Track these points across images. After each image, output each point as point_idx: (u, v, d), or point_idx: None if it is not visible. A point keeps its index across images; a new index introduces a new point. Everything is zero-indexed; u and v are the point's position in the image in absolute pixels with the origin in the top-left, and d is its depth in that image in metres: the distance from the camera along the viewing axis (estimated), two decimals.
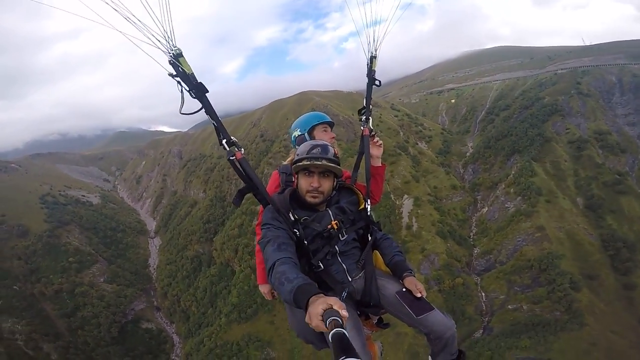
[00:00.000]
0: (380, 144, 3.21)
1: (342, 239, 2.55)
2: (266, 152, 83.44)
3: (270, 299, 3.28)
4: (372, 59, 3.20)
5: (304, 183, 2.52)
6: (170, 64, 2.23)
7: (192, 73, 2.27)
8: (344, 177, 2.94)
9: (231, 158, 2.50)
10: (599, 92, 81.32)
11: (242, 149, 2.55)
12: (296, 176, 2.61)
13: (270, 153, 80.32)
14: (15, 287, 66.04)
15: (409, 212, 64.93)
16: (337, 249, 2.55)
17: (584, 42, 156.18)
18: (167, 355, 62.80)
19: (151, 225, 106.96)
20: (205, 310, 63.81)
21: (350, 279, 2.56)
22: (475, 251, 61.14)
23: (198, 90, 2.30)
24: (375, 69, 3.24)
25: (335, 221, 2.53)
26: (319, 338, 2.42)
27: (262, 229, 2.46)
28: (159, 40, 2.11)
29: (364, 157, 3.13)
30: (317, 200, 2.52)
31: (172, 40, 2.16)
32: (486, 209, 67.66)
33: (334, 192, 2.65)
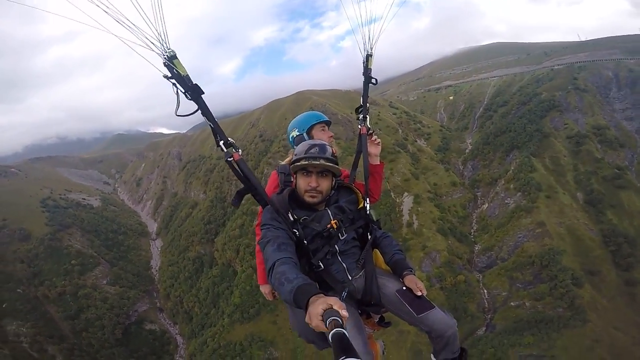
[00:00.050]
0: (378, 142, 3.20)
1: (341, 238, 2.54)
2: (265, 152, 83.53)
3: (271, 300, 3.27)
4: (368, 57, 3.21)
5: (303, 183, 2.50)
6: (165, 66, 2.23)
7: (187, 75, 2.28)
8: (342, 176, 2.90)
9: (229, 159, 2.50)
10: (596, 87, 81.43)
11: (240, 150, 2.56)
12: (295, 176, 2.59)
13: (270, 153, 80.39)
14: (19, 290, 66.27)
15: (409, 210, 64.95)
16: (336, 248, 2.54)
17: (579, 37, 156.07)
18: (171, 356, 63.00)
19: (152, 227, 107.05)
20: (208, 310, 63.96)
21: (350, 278, 2.55)
22: (477, 248, 61.23)
23: (194, 92, 2.31)
24: (372, 67, 3.24)
25: (335, 220, 2.52)
26: (320, 338, 2.40)
27: (261, 229, 2.46)
28: (152, 43, 2.12)
29: (362, 156, 3.13)
30: (315, 200, 2.50)
31: (166, 43, 2.16)
32: (486, 205, 67.79)
33: (333, 191, 2.63)
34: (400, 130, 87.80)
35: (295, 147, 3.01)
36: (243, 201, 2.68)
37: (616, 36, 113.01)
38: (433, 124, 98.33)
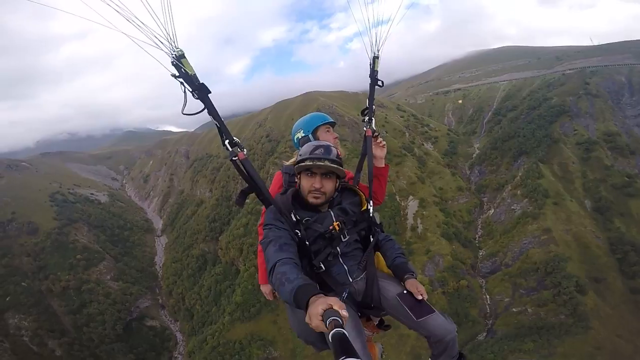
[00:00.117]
0: (384, 145, 3.21)
1: (343, 240, 2.54)
2: (272, 152, 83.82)
3: (272, 300, 3.29)
4: (375, 59, 3.21)
5: (306, 184, 2.51)
6: (173, 65, 2.26)
7: (195, 74, 2.30)
8: (346, 178, 2.91)
9: (233, 158, 2.51)
10: (608, 93, 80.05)
11: (245, 150, 2.56)
12: (299, 177, 2.60)
13: (276, 153, 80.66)
14: (23, 283, 67.29)
15: (414, 214, 64.62)
16: (338, 250, 2.54)
17: (592, 42, 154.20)
18: (170, 353, 63.42)
19: (158, 223, 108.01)
20: (209, 308, 64.27)
21: (351, 280, 2.55)
22: (481, 253, 60.62)
23: (200, 91, 2.33)
24: (378, 69, 3.24)
25: (337, 222, 2.52)
26: (320, 339, 2.41)
27: (264, 229, 2.47)
28: (161, 42, 2.14)
29: (367, 158, 3.14)
30: (319, 201, 2.51)
31: (174, 42, 2.19)
32: (492, 210, 67.06)
33: (337, 193, 2.64)
34: (407, 134, 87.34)
35: (300, 148, 2.98)
36: (248, 200, 2.67)
37: (630, 40, 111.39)
38: (441, 128, 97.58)
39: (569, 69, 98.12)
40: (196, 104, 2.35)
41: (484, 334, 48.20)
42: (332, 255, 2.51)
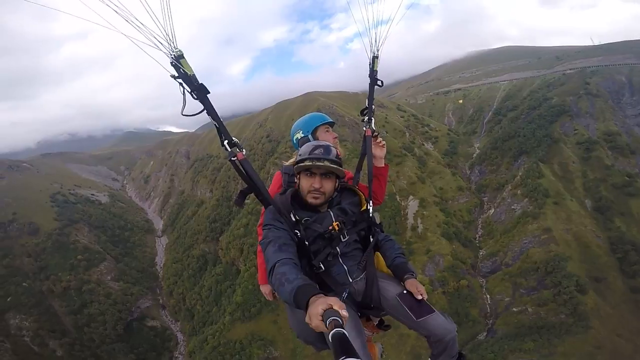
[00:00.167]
0: (383, 145, 3.21)
1: (343, 240, 2.54)
2: (272, 153, 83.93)
3: (271, 300, 3.28)
4: (374, 59, 3.21)
5: (306, 183, 2.51)
6: (172, 65, 2.26)
7: (194, 74, 2.30)
8: (346, 178, 2.92)
9: (232, 159, 2.51)
10: (609, 93, 79.92)
11: (244, 150, 2.55)
12: (298, 177, 2.60)
13: (276, 153, 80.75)
14: (24, 284, 67.32)
15: (414, 213, 64.62)
16: (338, 250, 2.54)
17: (592, 41, 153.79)
18: (170, 353, 63.45)
19: (158, 224, 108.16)
20: (210, 308, 64.33)
21: (351, 281, 2.55)
22: (481, 253, 60.61)
23: (199, 92, 2.33)
24: (377, 69, 3.25)
25: (337, 222, 2.52)
26: (319, 339, 2.42)
27: (263, 229, 2.47)
28: (160, 43, 2.14)
29: (366, 158, 3.13)
30: (318, 201, 2.51)
31: (173, 42, 2.19)
32: (492, 210, 67.04)
33: (336, 193, 2.63)
34: (407, 134, 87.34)
35: (299, 148, 2.98)
36: (248, 201, 2.68)
37: (631, 40, 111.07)
38: (441, 128, 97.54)
39: (570, 69, 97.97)
40: (196, 105, 2.35)
41: (484, 333, 48.21)
42: (331, 255, 2.51)
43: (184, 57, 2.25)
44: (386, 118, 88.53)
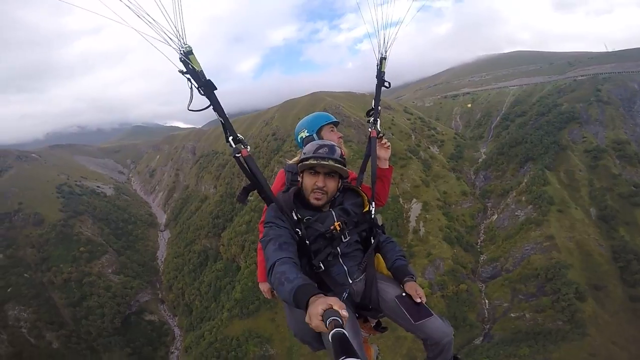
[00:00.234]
0: (388, 146, 3.19)
1: (344, 240, 2.52)
2: (277, 151, 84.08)
3: (270, 298, 3.27)
4: (382, 60, 3.21)
5: (309, 182, 2.49)
6: (181, 61, 2.28)
7: (201, 70, 2.32)
8: (349, 178, 2.91)
9: (237, 155, 2.51)
10: (620, 100, 79.10)
11: (248, 147, 2.56)
12: (302, 175, 2.57)
13: (281, 152, 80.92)
14: (26, 274, 67.94)
15: (416, 216, 64.42)
16: (339, 250, 2.52)
17: (606, 48, 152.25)
18: (167, 347, 63.66)
19: (162, 218, 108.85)
20: (209, 304, 64.62)
21: (350, 281, 2.54)
22: (482, 258, 60.36)
23: (206, 88, 2.34)
24: (385, 70, 3.24)
25: (338, 222, 2.50)
26: (316, 339, 2.41)
27: (264, 227, 2.46)
28: (170, 38, 2.17)
29: (370, 159, 3.13)
30: (320, 202, 2.49)
31: (183, 38, 2.21)
32: (496, 216, 66.67)
33: (339, 193, 2.61)
34: (413, 136, 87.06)
35: (303, 147, 2.96)
36: (251, 198, 2.72)
37: None
38: (447, 131, 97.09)
39: (581, 75, 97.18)
40: (203, 100, 2.37)
41: (481, 338, 48.21)
42: (332, 255, 2.50)
43: (192, 53, 2.28)
44: (392, 120, 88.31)
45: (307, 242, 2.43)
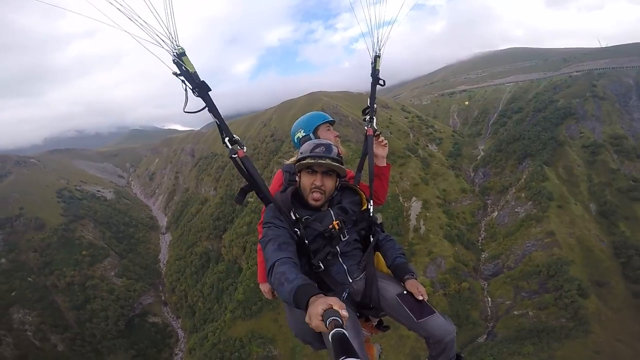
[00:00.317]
0: (385, 144, 3.18)
1: (343, 239, 2.51)
2: (276, 152, 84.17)
3: (270, 298, 3.24)
4: (376, 58, 3.20)
5: (307, 181, 2.49)
6: (174, 62, 2.29)
7: (195, 72, 2.33)
8: (347, 177, 2.88)
9: (233, 156, 2.51)
10: (616, 95, 79.36)
11: (245, 147, 2.56)
12: (299, 175, 2.57)
13: (280, 153, 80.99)
14: (29, 278, 68.00)
15: (417, 215, 64.52)
16: (338, 249, 2.51)
17: (600, 44, 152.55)
18: (171, 349, 63.74)
19: (163, 221, 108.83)
20: (211, 306, 64.69)
21: (350, 280, 2.53)
22: (483, 255, 60.44)
23: (201, 89, 2.35)
24: (379, 69, 3.23)
25: (337, 221, 2.49)
26: (317, 339, 2.40)
27: (263, 227, 2.45)
28: (163, 41, 2.19)
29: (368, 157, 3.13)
30: (319, 202, 2.49)
31: (175, 40, 2.22)
32: (496, 213, 66.78)
33: (336, 192, 2.61)
34: (411, 135, 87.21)
35: (300, 147, 2.95)
36: (251, 199, 2.85)
37: (638, 42, 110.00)
38: (445, 129, 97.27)
39: (576, 71, 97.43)
40: (199, 102, 2.38)
41: (484, 336, 48.19)
42: (331, 254, 2.49)
43: (185, 55, 2.29)
44: (390, 119, 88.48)
45: (306, 241, 2.43)
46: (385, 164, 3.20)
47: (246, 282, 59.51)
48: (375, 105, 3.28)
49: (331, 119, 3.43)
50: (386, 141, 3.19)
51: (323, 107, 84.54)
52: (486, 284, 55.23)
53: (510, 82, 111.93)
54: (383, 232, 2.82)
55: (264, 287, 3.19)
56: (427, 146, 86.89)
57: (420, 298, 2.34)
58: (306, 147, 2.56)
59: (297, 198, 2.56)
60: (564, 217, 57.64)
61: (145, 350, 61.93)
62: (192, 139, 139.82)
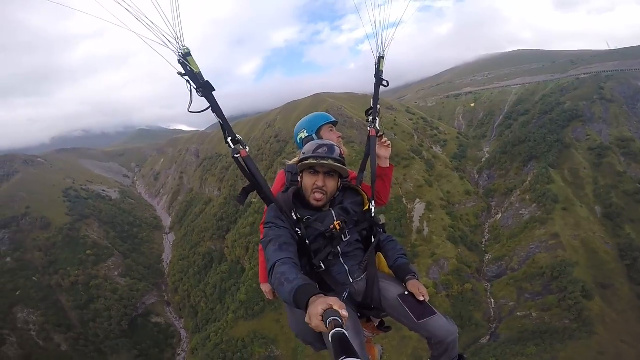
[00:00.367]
0: (389, 145, 3.17)
1: (344, 239, 2.51)
2: (280, 153, 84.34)
3: (272, 299, 3.25)
4: (380, 59, 3.22)
5: (309, 182, 2.48)
6: (180, 63, 2.31)
7: (200, 72, 2.34)
8: (350, 177, 2.88)
9: (236, 156, 2.52)
10: (624, 98, 78.72)
11: (247, 147, 2.56)
12: (301, 175, 2.56)
13: (285, 153, 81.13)
14: (34, 278, 68.58)
15: (420, 216, 64.37)
16: (339, 249, 2.51)
17: (608, 46, 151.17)
18: (173, 349, 64.02)
19: (166, 221, 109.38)
20: (214, 306, 64.91)
21: (351, 281, 2.53)
22: (487, 257, 60.16)
23: (205, 89, 2.37)
24: (383, 70, 3.25)
25: (338, 221, 2.48)
26: (318, 339, 2.41)
27: (264, 227, 2.45)
28: (169, 41, 2.21)
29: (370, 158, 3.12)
30: (320, 203, 2.48)
31: (181, 40, 2.24)
32: (500, 215, 66.44)
33: (338, 192, 2.60)
34: (416, 136, 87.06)
35: (303, 147, 2.91)
36: (255, 199, 2.82)
37: None
38: (450, 131, 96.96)
39: (584, 74, 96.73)
40: (203, 102, 2.41)
41: (487, 337, 48.07)
42: (332, 254, 2.49)
43: (190, 55, 2.32)
44: (395, 120, 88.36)
45: (307, 241, 2.43)
46: (388, 165, 3.20)
47: (249, 283, 59.66)
48: (378, 106, 3.28)
49: (334, 120, 3.42)
50: (389, 142, 3.18)
51: (328, 108, 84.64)
52: (489, 286, 54.99)
53: (516, 84, 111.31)
54: (385, 232, 2.82)
55: (265, 288, 3.19)
56: (432, 148, 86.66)
57: (422, 299, 2.34)
58: (309, 147, 2.55)
59: (299, 198, 2.56)
60: (568, 219, 57.24)
61: (148, 350, 62.16)
62: (197, 139, 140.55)
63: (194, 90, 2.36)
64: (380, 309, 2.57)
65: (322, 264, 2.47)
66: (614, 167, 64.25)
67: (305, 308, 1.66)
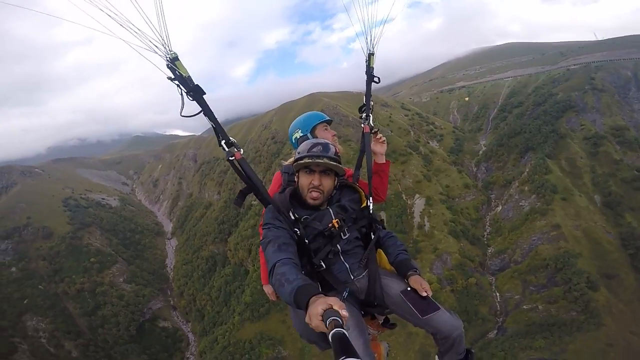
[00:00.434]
0: (383, 141, 3.19)
1: (343, 237, 2.51)
2: (277, 154, 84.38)
3: (274, 300, 3.24)
4: (370, 56, 3.24)
5: (305, 181, 2.49)
6: (168, 67, 2.34)
7: (189, 76, 2.37)
8: (346, 175, 2.89)
9: (230, 158, 2.53)
10: (615, 87, 79.13)
11: (242, 150, 2.57)
12: (297, 175, 2.58)
13: (282, 154, 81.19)
14: (40, 286, 68.89)
15: (420, 212, 64.56)
16: (339, 247, 2.51)
17: (596, 37, 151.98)
18: (182, 353, 64.26)
19: (168, 226, 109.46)
20: (220, 309, 65.07)
21: (353, 278, 2.53)
22: (490, 251, 60.33)
23: (195, 93, 2.38)
24: (374, 66, 3.27)
25: (336, 220, 2.48)
26: (322, 338, 2.36)
27: (263, 229, 2.46)
28: (156, 46, 2.23)
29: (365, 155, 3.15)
30: (317, 202, 2.49)
31: (168, 45, 2.27)
32: (500, 207, 66.67)
33: (335, 190, 2.62)
34: (412, 132, 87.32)
35: (298, 147, 2.92)
36: (256, 202, 2.85)
37: (634, 35, 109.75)
38: (446, 126, 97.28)
39: (574, 65, 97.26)
40: (195, 106, 2.43)
41: (495, 331, 47.90)
42: (332, 253, 2.49)
43: (178, 60, 2.34)
44: (390, 117, 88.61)
45: (306, 241, 2.44)
46: (384, 161, 3.23)
47: (253, 285, 59.85)
48: (371, 103, 3.33)
49: (328, 119, 3.45)
50: (384, 138, 3.23)
51: (323, 107, 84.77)
52: (494, 279, 55.08)
53: (508, 77, 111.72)
54: (384, 229, 2.83)
55: (268, 289, 3.21)
56: (428, 143, 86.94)
57: (424, 294, 2.34)
58: (303, 147, 2.57)
59: (296, 198, 2.58)
60: (568, 209, 57.46)
61: (157, 354, 62.46)
62: (193, 144, 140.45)
63: (184, 95, 2.39)
64: (384, 306, 2.58)
65: (322, 263, 2.48)
66: (611, 156, 64.65)
67: (306, 308, 1.67)
